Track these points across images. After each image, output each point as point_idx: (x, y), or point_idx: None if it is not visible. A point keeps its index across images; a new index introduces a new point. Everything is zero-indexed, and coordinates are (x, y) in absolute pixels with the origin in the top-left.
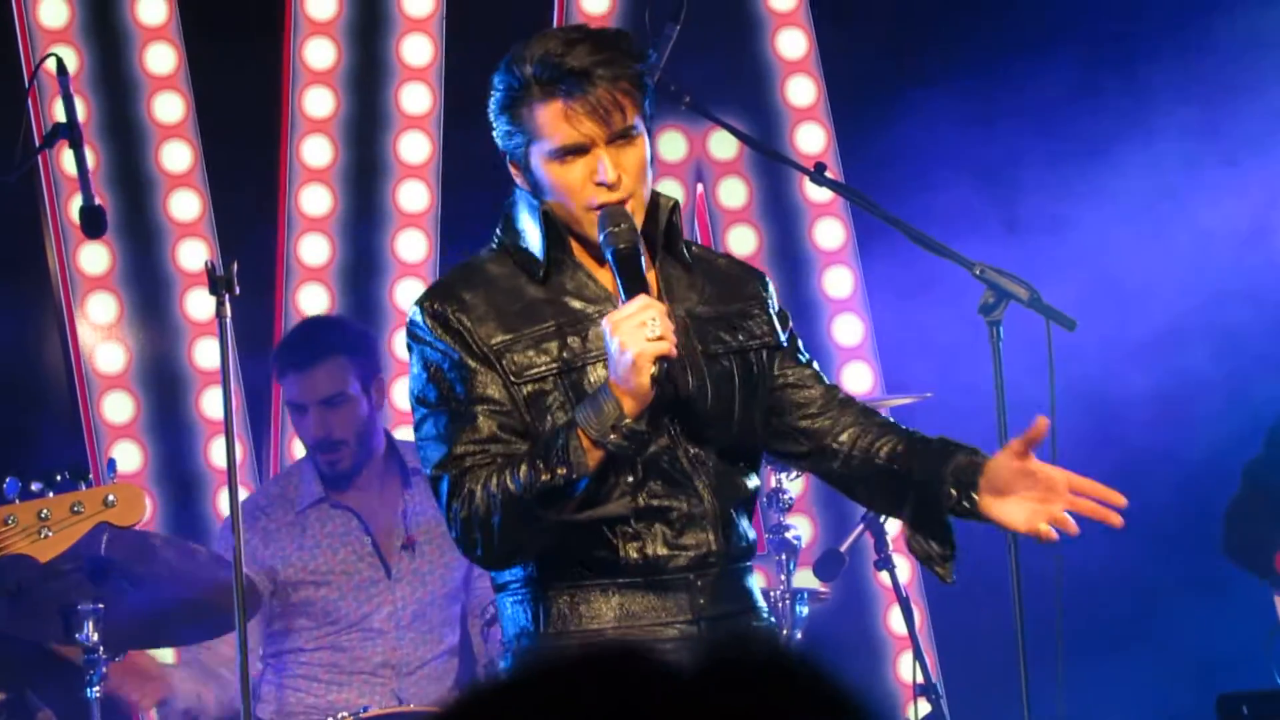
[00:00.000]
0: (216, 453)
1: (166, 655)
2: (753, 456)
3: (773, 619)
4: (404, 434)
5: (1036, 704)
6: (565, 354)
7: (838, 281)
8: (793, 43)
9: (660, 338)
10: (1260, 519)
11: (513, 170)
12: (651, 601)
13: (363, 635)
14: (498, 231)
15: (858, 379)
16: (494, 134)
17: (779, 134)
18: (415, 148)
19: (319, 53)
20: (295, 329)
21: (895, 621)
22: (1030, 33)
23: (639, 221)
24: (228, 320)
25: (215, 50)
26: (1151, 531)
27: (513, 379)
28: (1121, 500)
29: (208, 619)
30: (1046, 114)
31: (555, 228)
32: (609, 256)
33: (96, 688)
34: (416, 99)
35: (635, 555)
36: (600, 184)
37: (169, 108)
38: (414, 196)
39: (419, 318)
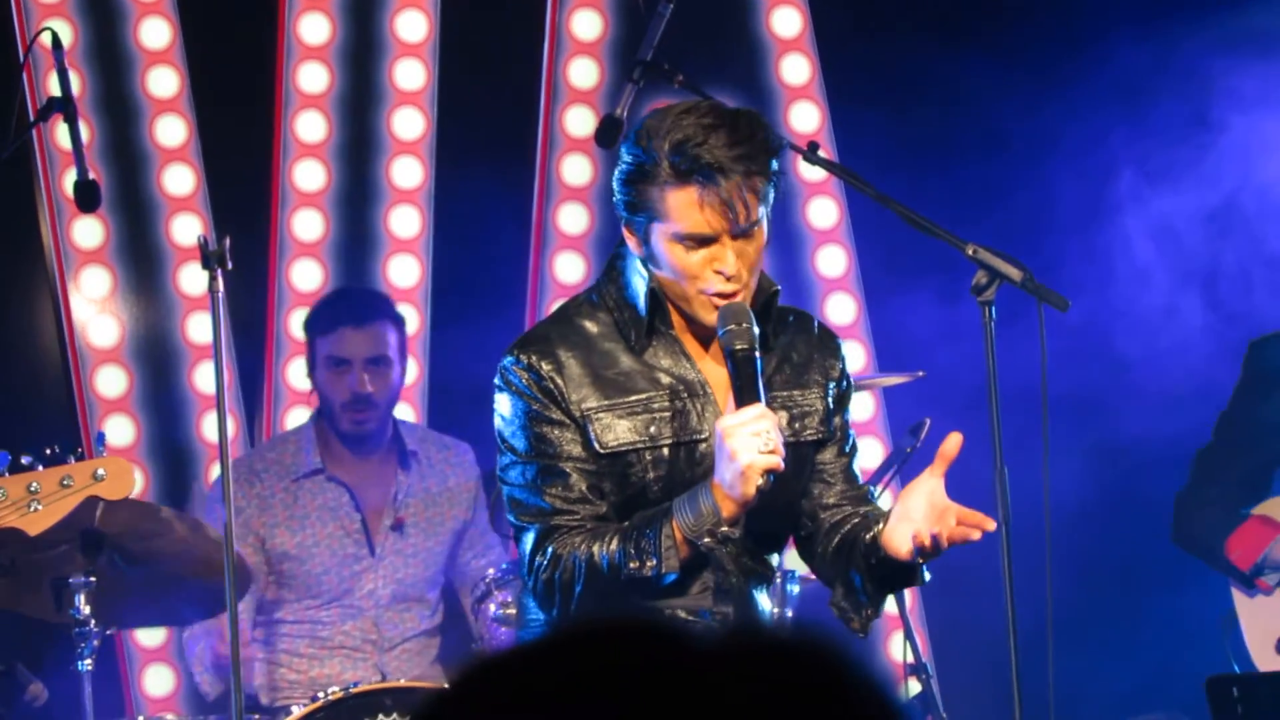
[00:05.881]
0: (209, 427)
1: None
2: (781, 539)
3: None
4: (404, 413)
5: (1027, 683)
6: (653, 429)
7: (831, 261)
8: (788, 21)
9: (772, 451)
10: (1209, 508)
11: (626, 234)
12: None
13: (343, 611)
14: (600, 283)
15: (851, 358)
16: (614, 196)
17: (773, 113)
18: (409, 123)
19: (313, 28)
20: (343, 290)
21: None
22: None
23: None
24: (220, 295)
25: (209, 24)
26: (1141, 512)
27: (598, 445)
28: (989, 525)
29: (203, 597)
30: (1042, 85)
31: (661, 304)
32: (726, 356)
33: (88, 660)
34: (411, 75)
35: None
36: (718, 273)
37: (163, 82)
38: (408, 172)
39: (513, 367)
